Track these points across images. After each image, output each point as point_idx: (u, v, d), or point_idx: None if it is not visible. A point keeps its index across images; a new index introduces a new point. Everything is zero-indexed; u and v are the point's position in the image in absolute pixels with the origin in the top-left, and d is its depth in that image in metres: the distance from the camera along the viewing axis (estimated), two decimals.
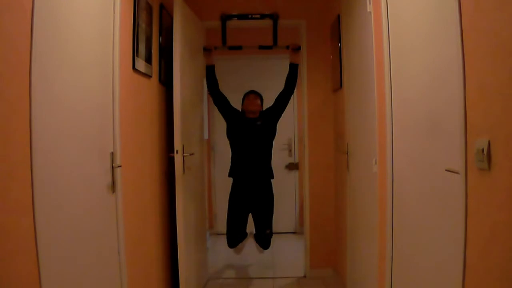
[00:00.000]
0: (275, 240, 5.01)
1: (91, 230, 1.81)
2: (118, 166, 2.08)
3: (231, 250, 3.76)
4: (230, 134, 3.66)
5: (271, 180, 3.68)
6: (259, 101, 3.66)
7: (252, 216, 3.69)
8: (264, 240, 3.70)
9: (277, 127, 3.69)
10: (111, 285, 2.03)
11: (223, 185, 4.38)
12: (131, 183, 2.34)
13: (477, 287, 1.32)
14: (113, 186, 2.04)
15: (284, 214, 5.33)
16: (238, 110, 3.68)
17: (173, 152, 2.88)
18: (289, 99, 3.63)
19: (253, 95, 3.66)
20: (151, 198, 2.77)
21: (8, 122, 1.25)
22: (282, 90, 3.60)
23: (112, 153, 2.06)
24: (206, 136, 4.67)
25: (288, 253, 4.57)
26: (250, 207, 3.65)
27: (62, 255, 1.54)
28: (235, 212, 3.65)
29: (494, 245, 1.21)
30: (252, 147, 3.57)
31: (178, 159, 2.86)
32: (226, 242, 3.71)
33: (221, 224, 5.36)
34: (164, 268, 3.01)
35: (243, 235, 3.75)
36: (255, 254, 4.53)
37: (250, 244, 4.77)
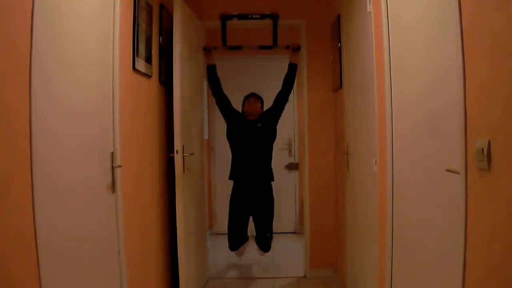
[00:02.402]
0: (275, 240, 5.00)
1: (91, 230, 1.81)
2: (118, 166, 2.08)
3: (231, 251, 3.76)
4: (230, 136, 3.66)
5: (272, 182, 3.68)
6: (259, 104, 3.67)
7: (253, 219, 3.70)
8: (264, 243, 3.70)
9: (277, 127, 3.70)
10: (111, 285, 2.03)
11: (223, 185, 4.38)
12: (131, 183, 2.34)
13: (477, 287, 1.32)
14: (113, 186, 2.04)
15: (284, 214, 5.33)
16: (239, 112, 3.69)
17: (173, 152, 2.88)
18: (287, 98, 3.63)
19: (253, 98, 3.66)
20: (151, 198, 2.77)
21: (8, 122, 1.25)
22: (280, 90, 3.61)
23: (112, 153, 2.06)
24: (206, 136, 4.67)
25: (288, 253, 4.57)
26: (251, 210, 3.65)
27: (62, 255, 1.54)
28: (236, 215, 3.65)
29: (494, 245, 1.21)
30: (252, 149, 3.57)
31: (178, 159, 2.86)
32: (227, 244, 3.70)
33: (221, 224, 5.36)
34: (164, 268, 3.01)
35: (244, 238, 3.75)
36: (255, 254, 4.53)
37: (250, 244, 4.77)
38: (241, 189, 3.62)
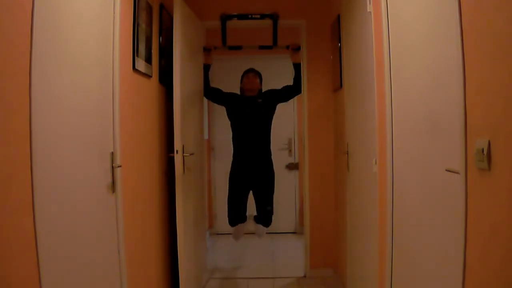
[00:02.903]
0: (275, 240, 5.03)
1: (91, 230, 1.81)
2: (118, 166, 2.08)
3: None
4: (230, 114, 3.73)
5: (271, 157, 3.72)
6: (258, 80, 3.73)
7: (253, 194, 3.73)
8: (265, 217, 3.72)
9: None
10: (111, 285, 2.03)
11: (223, 185, 4.38)
12: (131, 183, 2.34)
13: (477, 287, 1.32)
14: (113, 186, 2.04)
15: (284, 214, 5.33)
16: (235, 94, 3.74)
17: (173, 152, 2.88)
18: (294, 95, 3.78)
19: (252, 73, 3.72)
20: (151, 198, 2.77)
21: (8, 122, 1.25)
22: (292, 87, 3.69)
23: (112, 153, 2.06)
24: (206, 136, 4.67)
25: (288, 253, 4.57)
26: (251, 184, 3.67)
27: (62, 255, 1.54)
28: (236, 189, 3.68)
29: (494, 245, 1.21)
30: (252, 124, 3.63)
31: (178, 159, 2.86)
32: (227, 220, 3.75)
33: (221, 224, 5.37)
34: (164, 268, 3.01)
35: (243, 216, 3.76)
36: (255, 254, 4.53)
37: (250, 244, 4.78)
38: (242, 163, 3.65)
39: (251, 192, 3.78)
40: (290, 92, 3.71)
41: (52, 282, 1.42)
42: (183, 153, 2.91)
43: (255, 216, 3.79)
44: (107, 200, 2.01)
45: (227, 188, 3.79)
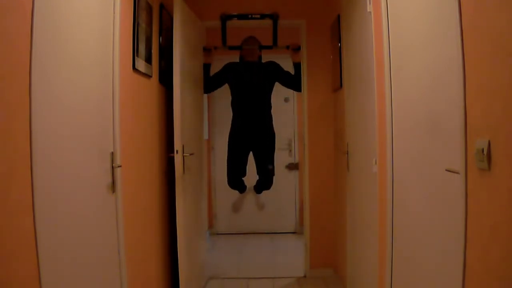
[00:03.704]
0: (275, 240, 5.03)
1: (91, 230, 1.81)
2: (118, 166, 2.08)
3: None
4: (230, 79, 3.76)
5: (272, 121, 3.75)
6: (257, 46, 3.77)
7: (253, 155, 3.75)
8: (266, 176, 3.73)
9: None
10: (111, 285, 2.03)
11: (223, 185, 4.38)
12: (131, 183, 2.34)
13: (477, 287, 1.32)
14: (113, 186, 2.04)
15: (284, 214, 5.33)
16: (231, 64, 3.77)
17: (173, 152, 2.88)
18: (292, 87, 3.81)
19: (251, 40, 3.76)
20: (151, 198, 2.77)
21: (8, 122, 1.25)
22: (293, 80, 3.73)
23: (112, 153, 2.06)
24: (206, 136, 4.67)
25: (288, 253, 4.56)
26: (251, 144, 3.69)
27: (62, 255, 1.54)
28: (235, 149, 3.70)
29: (494, 245, 1.21)
30: (251, 88, 3.67)
31: (178, 159, 2.86)
32: (226, 180, 3.79)
33: (221, 224, 5.37)
34: (164, 268, 3.01)
35: (243, 175, 3.80)
36: (255, 254, 4.53)
37: (250, 244, 4.78)
38: (241, 125, 3.67)
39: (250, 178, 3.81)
40: (290, 83, 3.75)
41: (52, 282, 1.42)
42: (183, 153, 2.91)
43: (254, 186, 3.81)
44: (107, 200, 2.01)
45: (227, 149, 3.81)
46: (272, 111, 3.92)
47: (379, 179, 2.34)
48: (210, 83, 3.74)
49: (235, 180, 3.75)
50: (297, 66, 3.67)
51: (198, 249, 3.46)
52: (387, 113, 2.18)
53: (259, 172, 3.74)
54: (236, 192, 4.22)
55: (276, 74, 3.75)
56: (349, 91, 3.08)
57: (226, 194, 5.14)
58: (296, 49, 3.64)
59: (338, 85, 3.44)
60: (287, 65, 3.96)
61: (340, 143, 3.49)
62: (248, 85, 3.65)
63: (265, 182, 3.76)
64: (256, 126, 3.65)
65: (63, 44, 1.61)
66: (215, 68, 3.87)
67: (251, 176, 4.12)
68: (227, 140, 3.81)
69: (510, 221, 1.12)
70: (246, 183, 4.08)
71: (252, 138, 3.66)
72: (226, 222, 5.38)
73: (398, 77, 2.08)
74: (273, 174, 3.76)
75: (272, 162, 3.72)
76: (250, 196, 5.11)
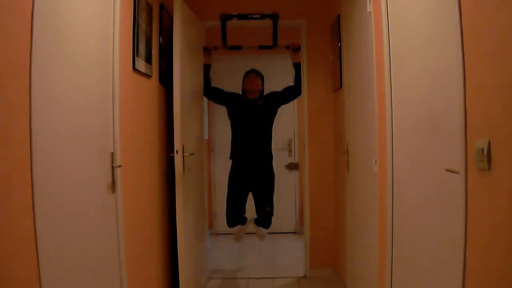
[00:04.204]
0: (275, 240, 5.03)
1: (91, 230, 1.81)
2: (118, 166, 2.08)
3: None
4: (231, 115, 3.71)
5: (272, 160, 3.70)
6: (259, 81, 3.71)
7: (253, 195, 3.71)
8: (265, 218, 3.71)
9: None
10: (111, 285, 2.03)
11: (223, 185, 4.37)
12: (131, 183, 2.34)
13: (477, 287, 1.32)
14: (113, 186, 2.04)
15: (284, 214, 5.32)
16: (237, 94, 3.72)
17: (173, 152, 2.88)
18: (296, 96, 3.72)
19: (253, 75, 3.70)
20: (151, 198, 2.77)
21: (8, 122, 1.25)
22: (293, 87, 3.65)
23: (112, 153, 2.06)
24: (206, 136, 4.67)
25: (288, 253, 4.57)
26: (250, 185, 3.66)
27: (62, 255, 1.54)
28: (235, 191, 3.66)
29: (494, 245, 1.21)
30: (252, 126, 3.61)
31: (178, 159, 2.86)
32: (225, 220, 3.72)
33: (221, 224, 5.36)
34: (164, 268, 3.01)
35: (242, 216, 3.75)
36: (255, 254, 4.53)
37: (250, 244, 4.78)
38: (241, 164, 3.64)
39: (251, 195, 3.76)
40: (292, 93, 3.67)
41: (52, 282, 1.42)
42: (183, 153, 2.91)
43: (255, 219, 3.78)
44: (107, 200, 2.01)
45: (226, 189, 3.77)
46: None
47: (379, 179, 2.34)
48: (210, 92, 3.68)
49: (234, 221, 3.71)
50: (297, 66, 3.65)
51: (198, 249, 3.46)
52: (387, 113, 2.18)
53: (257, 212, 3.71)
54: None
55: (276, 99, 3.67)
56: (349, 91, 3.08)
57: (226, 194, 5.14)
58: (296, 49, 3.64)
59: (338, 85, 3.44)
60: (287, 65, 3.96)
61: (340, 143, 3.49)
62: (249, 124, 3.60)
63: (263, 222, 3.74)
64: (256, 167, 3.61)
65: (63, 44, 1.61)
66: (215, 68, 3.85)
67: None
68: (227, 179, 3.72)
69: (510, 221, 1.12)
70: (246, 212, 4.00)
71: (251, 180, 3.64)
72: (225, 223, 5.36)
73: (398, 77, 2.08)
74: (272, 215, 3.74)
75: (271, 204, 3.70)
76: (250, 200, 5.10)
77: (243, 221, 3.78)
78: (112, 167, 2.04)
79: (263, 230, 3.81)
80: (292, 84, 3.69)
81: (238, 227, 3.78)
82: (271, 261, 4.32)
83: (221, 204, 5.32)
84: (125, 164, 2.21)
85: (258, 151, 3.61)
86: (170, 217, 3.17)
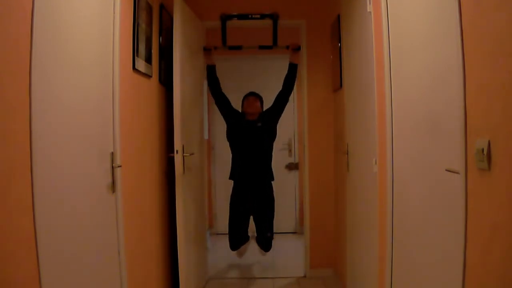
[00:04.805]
0: (275, 240, 5.00)
1: (91, 230, 1.81)
2: (118, 166, 2.08)
3: (232, 251, 3.77)
4: (230, 136, 3.66)
5: (272, 182, 3.67)
6: (258, 103, 3.66)
7: (253, 219, 3.70)
8: (265, 243, 3.71)
9: (277, 127, 3.70)
10: (111, 285, 2.03)
11: (223, 185, 4.39)
12: (131, 183, 2.34)
13: (477, 287, 1.32)
14: (113, 186, 2.04)
15: (284, 214, 5.32)
16: (239, 112, 3.69)
17: (173, 152, 2.88)
18: (287, 99, 3.63)
19: (252, 97, 3.66)
20: (151, 198, 2.77)
21: (8, 122, 1.25)
22: (281, 90, 3.61)
23: (112, 153, 2.06)
24: (206, 136, 4.67)
25: (288, 253, 4.57)
26: (251, 209, 3.65)
27: (62, 255, 1.54)
28: (236, 215, 3.65)
29: (494, 245, 1.21)
30: (252, 149, 3.57)
31: (178, 159, 2.86)
32: (228, 244, 3.70)
33: (221, 224, 5.37)
34: (164, 268, 3.01)
35: (245, 238, 3.75)
36: (255, 254, 4.53)
37: (251, 244, 4.77)
38: (242, 188, 3.62)
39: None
40: (281, 96, 3.58)
41: (52, 282, 1.42)
42: (183, 153, 2.91)
43: (256, 237, 3.77)
44: (107, 200, 2.01)
45: (228, 206, 3.71)
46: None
47: (379, 179, 2.34)
48: (220, 96, 3.60)
49: (237, 244, 3.70)
50: (292, 67, 3.58)
51: (198, 249, 3.46)
52: (387, 113, 2.18)
53: (258, 235, 3.71)
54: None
55: (271, 114, 3.61)
56: (349, 91, 3.08)
57: (226, 194, 5.12)
58: (296, 49, 3.63)
59: (338, 85, 3.44)
60: (287, 65, 3.95)
61: (340, 143, 3.49)
62: (249, 147, 3.56)
63: (264, 245, 3.73)
64: (256, 190, 3.59)
65: (63, 44, 1.61)
66: (217, 69, 3.83)
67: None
68: (229, 202, 3.70)
69: (510, 221, 1.12)
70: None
71: (252, 205, 3.62)
72: (226, 222, 5.35)
73: (398, 77, 2.08)
74: (272, 238, 3.74)
75: (271, 230, 3.69)
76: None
77: (245, 240, 3.76)
78: (112, 167, 2.04)
79: (263, 250, 3.80)
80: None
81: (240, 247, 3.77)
82: (271, 261, 4.32)
83: (221, 204, 5.34)
84: (125, 164, 2.21)
85: (258, 173, 3.58)
86: (170, 217, 3.17)
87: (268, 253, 4.35)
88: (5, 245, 1.22)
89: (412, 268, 1.93)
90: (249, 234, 3.82)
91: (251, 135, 3.56)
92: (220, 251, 4.66)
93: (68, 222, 1.60)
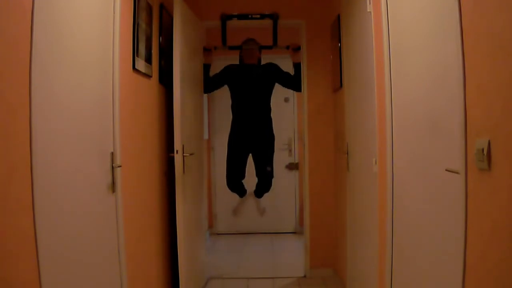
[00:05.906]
0: (275, 240, 5.03)
1: (91, 230, 1.81)
2: (118, 166, 2.08)
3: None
4: (229, 80, 3.78)
5: (271, 123, 3.77)
6: (257, 48, 3.78)
7: (253, 157, 3.77)
8: (265, 179, 3.75)
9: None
10: (111, 285, 2.03)
11: (223, 185, 4.38)
12: (131, 183, 2.34)
13: (477, 287, 1.32)
14: (113, 186, 2.04)
15: (284, 214, 5.33)
16: (231, 66, 3.79)
17: (173, 152, 2.88)
18: (293, 88, 3.84)
19: (251, 41, 3.77)
20: (151, 198, 2.77)
21: (8, 122, 1.25)
22: (293, 81, 3.75)
23: (112, 153, 2.06)
24: (206, 136, 4.67)
25: (288, 253, 4.56)
26: (250, 146, 3.70)
27: (62, 255, 1.54)
28: (234, 151, 3.71)
29: (494, 245, 1.21)
30: (251, 90, 3.69)
31: (178, 159, 2.86)
32: (225, 182, 3.82)
33: (221, 224, 5.38)
34: (164, 268, 3.01)
35: (241, 176, 3.82)
36: (255, 254, 4.53)
37: (250, 244, 4.78)
38: (241, 127, 3.69)
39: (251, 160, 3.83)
40: (290, 83, 3.78)
41: (52, 282, 1.42)
42: (183, 153, 2.91)
43: (254, 191, 3.83)
44: (107, 200, 2.01)
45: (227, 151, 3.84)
46: (272, 111, 3.92)
47: (379, 179, 2.34)
48: (209, 84, 3.77)
49: (234, 182, 3.77)
50: (297, 66, 3.68)
51: (198, 249, 3.46)
52: (387, 113, 2.18)
53: (258, 174, 3.77)
54: (236, 195, 4.22)
55: (275, 75, 3.76)
56: (349, 91, 3.08)
57: (226, 194, 5.13)
58: (296, 49, 3.64)
59: (338, 85, 3.44)
60: (287, 65, 3.96)
61: (340, 143, 3.49)
62: (248, 88, 3.67)
63: (264, 184, 3.78)
64: (255, 128, 3.68)
65: (63, 44, 1.61)
66: (215, 68, 3.87)
67: (250, 181, 4.12)
68: (227, 141, 3.83)
69: (510, 221, 1.12)
70: (246, 187, 4.08)
71: (251, 140, 3.68)
72: (226, 222, 5.38)
73: (398, 77, 2.08)
74: (272, 176, 3.77)
75: (271, 163, 3.74)
76: (250, 201, 5.11)
77: (242, 191, 3.82)
78: (112, 167, 2.04)
79: (262, 203, 3.86)
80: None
81: (237, 201, 3.84)
82: (271, 261, 4.32)
83: (221, 204, 5.35)
84: (125, 164, 2.21)
85: (257, 113, 3.67)
86: (170, 217, 3.17)
87: (268, 253, 4.36)
88: (5, 245, 1.22)
89: (412, 268, 1.93)
90: (247, 191, 3.93)
91: (250, 77, 3.68)
92: (220, 251, 4.67)
93: (68, 222, 1.60)
